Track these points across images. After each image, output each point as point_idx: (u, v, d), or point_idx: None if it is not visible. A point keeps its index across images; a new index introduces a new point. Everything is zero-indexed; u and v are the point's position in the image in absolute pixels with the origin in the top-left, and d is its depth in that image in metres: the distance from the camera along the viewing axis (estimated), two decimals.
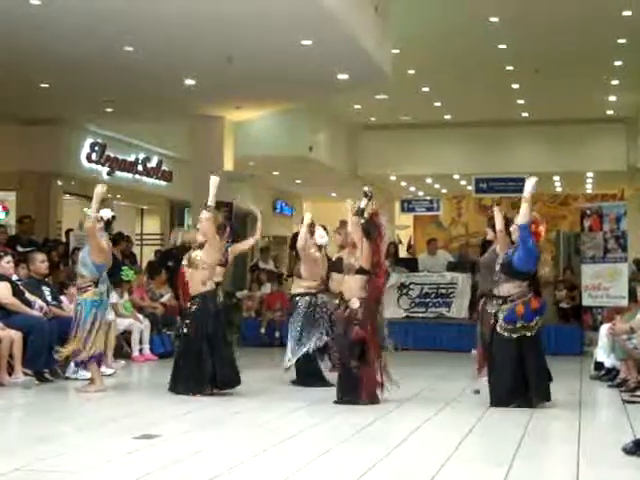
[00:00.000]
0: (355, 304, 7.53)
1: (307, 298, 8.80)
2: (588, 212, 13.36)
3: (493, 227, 8.06)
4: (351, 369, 7.49)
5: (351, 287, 7.61)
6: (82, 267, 8.28)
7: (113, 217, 8.51)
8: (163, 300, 12.58)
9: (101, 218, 8.28)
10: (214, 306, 8.10)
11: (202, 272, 8.09)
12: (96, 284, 8.23)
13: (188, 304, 8.15)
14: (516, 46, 14.84)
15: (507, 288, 7.51)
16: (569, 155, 21.49)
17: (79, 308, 8.22)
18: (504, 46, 14.84)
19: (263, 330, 13.87)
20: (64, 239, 14.63)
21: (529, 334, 7.41)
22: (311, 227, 8.99)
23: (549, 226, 27.66)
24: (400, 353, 10.50)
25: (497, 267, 7.64)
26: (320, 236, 8.92)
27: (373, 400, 7.48)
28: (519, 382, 7.39)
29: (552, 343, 11.54)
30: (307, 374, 8.74)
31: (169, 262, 14.03)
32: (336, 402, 7.56)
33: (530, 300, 7.47)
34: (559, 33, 14.21)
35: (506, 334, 7.43)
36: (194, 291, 8.11)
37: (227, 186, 16.21)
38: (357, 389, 7.46)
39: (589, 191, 27.20)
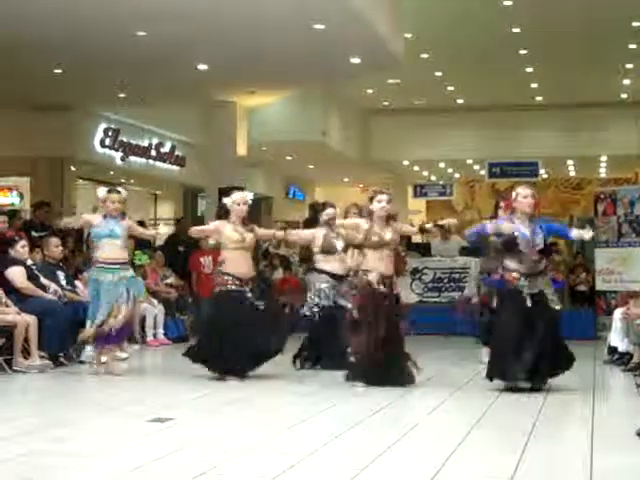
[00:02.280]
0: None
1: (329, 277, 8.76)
2: (602, 196, 13.32)
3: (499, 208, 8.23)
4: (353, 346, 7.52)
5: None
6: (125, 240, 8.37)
7: None
8: (168, 281, 12.62)
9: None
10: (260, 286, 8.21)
11: (248, 253, 8.16)
12: None
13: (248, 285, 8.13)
14: (530, 30, 14.76)
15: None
16: (583, 139, 21.39)
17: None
18: (518, 30, 14.77)
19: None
20: None
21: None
22: (322, 206, 9.05)
23: (563, 210, 27.59)
24: (413, 337, 10.52)
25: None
26: (326, 214, 8.94)
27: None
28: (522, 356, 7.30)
29: (565, 328, 11.46)
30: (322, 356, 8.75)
31: (179, 247, 14.14)
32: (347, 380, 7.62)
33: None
34: (573, 16, 14.13)
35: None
36: (251, 272, 8.16)
37: (240, 171, 16.31)
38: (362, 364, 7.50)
39: (603, 175, 27.08)
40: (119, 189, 8.60)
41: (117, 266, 8.26)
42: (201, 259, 12.42)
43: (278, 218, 24.17)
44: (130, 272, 8.42)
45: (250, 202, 8.34)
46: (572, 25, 14.59)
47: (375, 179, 24.68)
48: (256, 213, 23.53)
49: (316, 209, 9.08)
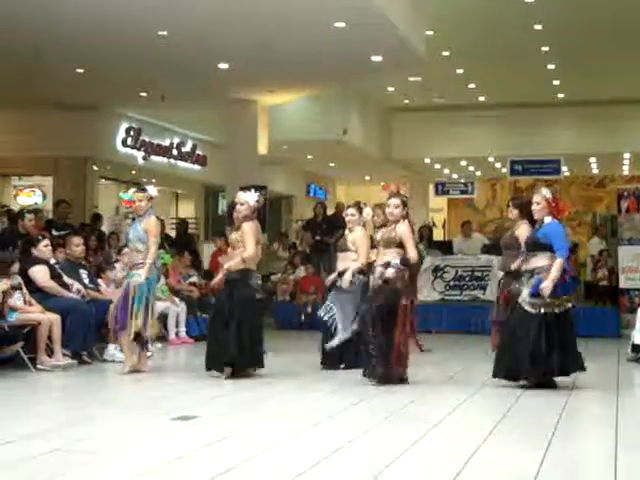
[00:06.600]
0: (390, 273, 7.53)
1: (361, 276, 8.62)
2: (625, 194, 13.23)
3: (517, 206, 8.24)
4: (373, 343, 7.51)
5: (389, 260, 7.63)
6: (138, 242, 8.29)
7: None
8: (191, 280, 12.65)
9: (151, 197, 8.40)
10: None
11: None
12: None
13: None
14: (552, 27, 14.68)
15: (534, 262, 7.43)
16: (605, 136, 21.23)
17: (131, 283, 8.20)
18: (540, 27, 14.69)
19: (303, 317, 13.78)
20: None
21: (556, 311, 7.30)
22: (356, 205, 9.04)
23: (585, 208, 27.42)
24: (435, 336, 10.50)
25: (522, 246, 7.67)
26: (367, 213, 8.94)
27: (389, 377, 7.51)
28: (534, 358, 7.26)
29: (589, 325, 11.44)
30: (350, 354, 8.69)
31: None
32: (363, 376, 7.63)
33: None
34: (595, 13, 14.04)
35: (530, 309, 7.33)
36: None
37: (261, 170, 16.34)
38: (381, 364, 7.51)
39: (626, 173, 26.90)
40: (143, 187, 8.66)
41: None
42: (219, 258, 12.43)
43: (299, 217, 24.20)
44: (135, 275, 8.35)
45: None
46: (594, 22, 14.49)
47: (395, 177, 24.71)
48: (277, 212, 23.61)
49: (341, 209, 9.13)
